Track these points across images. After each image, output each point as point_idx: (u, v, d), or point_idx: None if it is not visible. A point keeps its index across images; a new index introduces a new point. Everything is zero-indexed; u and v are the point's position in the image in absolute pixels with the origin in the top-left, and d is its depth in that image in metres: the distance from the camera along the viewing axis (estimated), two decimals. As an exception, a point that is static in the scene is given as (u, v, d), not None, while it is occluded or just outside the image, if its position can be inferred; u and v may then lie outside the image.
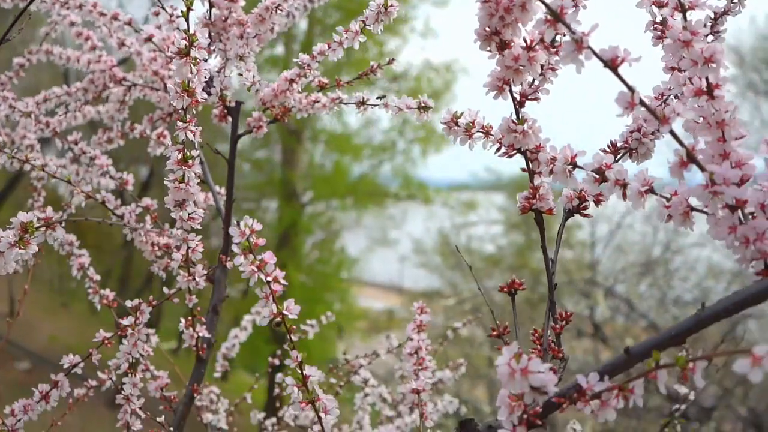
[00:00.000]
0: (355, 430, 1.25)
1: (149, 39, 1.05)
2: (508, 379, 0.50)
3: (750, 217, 0.52)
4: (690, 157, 0.51)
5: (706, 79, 0.53)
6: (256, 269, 0.61)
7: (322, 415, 0.65)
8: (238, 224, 0.60)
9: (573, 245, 8.90)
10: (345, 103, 0.97)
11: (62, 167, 1.17)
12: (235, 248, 0.61)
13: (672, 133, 0.51)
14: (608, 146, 0.69)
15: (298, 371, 0.65)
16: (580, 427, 1.06)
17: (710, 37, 0.71)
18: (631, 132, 0.68)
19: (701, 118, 0.54)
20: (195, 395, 0.98)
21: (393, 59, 1.00)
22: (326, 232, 11.43)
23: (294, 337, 0.66)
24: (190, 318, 0.96)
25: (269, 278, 0.62)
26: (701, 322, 0.50)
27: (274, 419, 1.33)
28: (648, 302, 6.96)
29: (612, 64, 0.50)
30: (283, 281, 0.63)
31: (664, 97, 0.68)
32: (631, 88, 0.50)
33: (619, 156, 0.68)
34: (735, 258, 0.52)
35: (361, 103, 0.95)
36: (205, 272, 0.91)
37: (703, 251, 7.13)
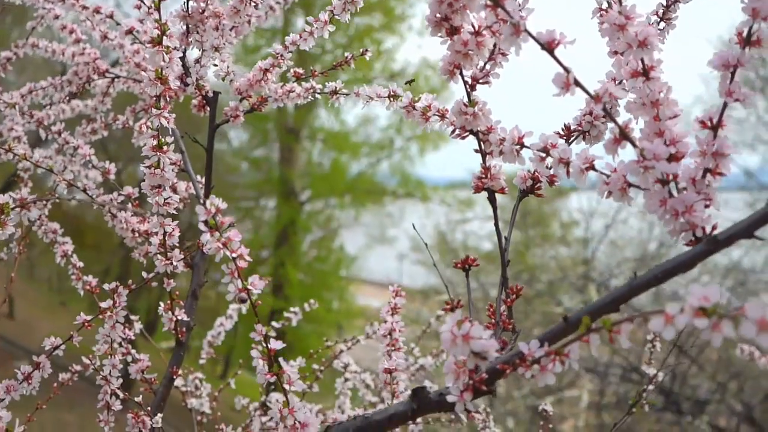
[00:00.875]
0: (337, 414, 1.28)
1: (130, 32, 1.07)
2: (451, 345, 0.53)
3: (684, 191, 0.55)
4: (623, 135, 0.54)
5: (642, 60, 0.56)
6: (221, 246, 0.64)
7: (286, 386, 0.67)
8: (204, 203, 0.63)
9: (570, 242, 8.94)
10: (319, 93, 1.00)
11: (48, 158, 1.20)
12: (201, 226, 0.64)
13: (605, 111, 0.54)
14: (562, 129, 0.71)
15: (263, 344, 0.68)
16: (551, 408, 1.09)
17: (662, 24, 0.74)
18: (584, 115, 0.71)
19: (639, 99, 0.57)
20: (174, 377, 1.01)
21: (366, 50, 1.03)
22: (324, 230, 11.47)
23: (279, 324, 0.69)
24: (168, 302, 0.99)
25: (234, 255, 0.65)
26: (633, 290, 0.53)
27: (256, 404, 1.36)
28: (645, 296, 7.00)
29: (549, 46, 0.53)
30: (248, 258, 0.66)
31: (616, 82, 0.71)
32: (566, 69, 0.53)
33: (572, 138, 0.71)
34: (667, 230, 0.55)
35: (334, 93, 0.98)
36: (183, 257, 0.94)
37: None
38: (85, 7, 1.13)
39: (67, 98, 1.23)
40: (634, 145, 0.54)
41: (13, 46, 1.35)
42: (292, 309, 1.40)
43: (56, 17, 1.24)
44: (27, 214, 0.73)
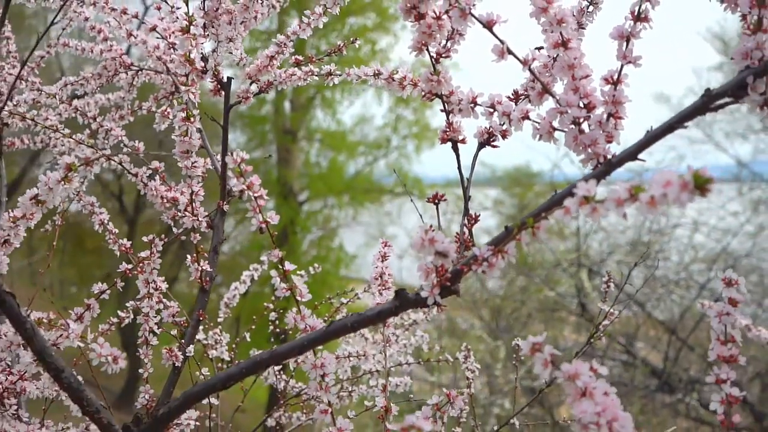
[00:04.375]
0: (340, 357, 1.45)
1: (153, 29, 1.26)
2: (420, 247, 0.71)
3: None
4: (545, 89, 0.73)
5: (561, 34, 0.75)
6: (246, 188, 0.83)
7: (298, 298, 0.86)
8: (232, 153, 0.82)
9: (566, 236, 9.14)
10: (317, 75, 1.19)
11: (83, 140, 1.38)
12: (230, 172, 0.82)
13: (531, 71, 0.73)
14: (512, 93, 0.90)
15: (280, 267, 0.86)
16: (522, 342, 1.27)
17: (590, 7, 0.93)
18: (528, 82, 0.89)
19: (560, 63, 0.76)
20: (201, 319, 1.19)
21: (356, 39, 1.22)
22: (323, 230, 11.65)
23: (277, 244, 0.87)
24: (195, 255, 1.17)
25: (256, 195, 0.83)
26: (555, 201, 0.71)
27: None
28: (636, 282, 7.19)
29: (489, 25, 0.72)
30: (266, 197, 0.84)
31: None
32: (502, 42, 0.72)
33: (520, 101, 0.90)
34: (579, 160, 0.73)
35: (329, 74, 1.16)
36: (207, 214, 1.13)
37: (685, 231, 7.38)
38: (113, 9, 1.31)
39: (98, 89, 1.42)
40: (553, 96, 0.72)
41: (46, 46, 1.54)
42: (298, 272, 1.58)
43: (86, 19, 1.42)
44: (91, 170, 0.91)
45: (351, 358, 1.30)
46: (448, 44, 0.83)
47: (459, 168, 0.86)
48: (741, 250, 7.84)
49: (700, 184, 0.49)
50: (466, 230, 0.84)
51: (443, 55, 0.83)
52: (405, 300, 0.78)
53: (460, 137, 0.85)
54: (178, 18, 1.20)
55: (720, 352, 0.68)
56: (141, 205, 10.13)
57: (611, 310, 1.33)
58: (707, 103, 0.66)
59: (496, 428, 1.60)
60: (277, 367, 1.61)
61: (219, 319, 1.60)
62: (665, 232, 7.92)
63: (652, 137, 0.68)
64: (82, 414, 0.82)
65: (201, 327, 1.52)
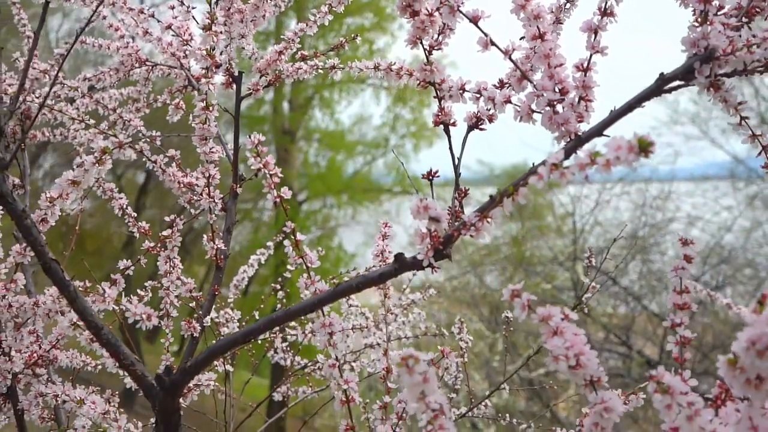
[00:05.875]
0: (345, 329, 1.55)
1: (169, 27, 1.36)
2: (417, 214, 0.82)
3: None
4: (523, 76, 0.83)
5: (538, 27, 0.85)
6: (262, 166, 0.93)
7: (308, 264, 0.96)
8: (250, 136, 0.92)
9: (564, 234, 9.28)
10: (321, 69, 1.29)
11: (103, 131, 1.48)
12: (248, 153, 0.93)
13: (511, 60, 0.83)
14: (498, 81, 1.00)
15: (292, 237, 0.97)
16: (512, 315, 1.38)
17: (568, 4, 1.03)
18: (512, 71, 1.00)
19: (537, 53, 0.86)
20: (216, 293, 1.30)
21: (356, 35, 1.32)
22: (323, 230, 11.75)
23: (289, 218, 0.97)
24: (210, 234, 1.28)
25: (271, 172, 0.94)
26: (531, 172, 0.82)
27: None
28: (631, 275, 7.32)
29: (474, 20, 0.82)
30: (280, 174, 0.95)
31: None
32: (486, 34, 0.82)
33: (504, 88, 1.00)
34: (554, 137, 0.84)
35: (333, 68, 1.27)
36: (222, 196, 1.23)
37: (681, 225, 7.50)
38: (131, 9, 1.42)
39: (116, 83, 1.52)
40: (530, 81, 0.83)
41: (64, 43, 1.64)
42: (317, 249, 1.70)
43: (104, 18, 1.52)
44: (123, 152, 1.01)
45: (354, 330, 1.40)
46: (440, 38, 0.94)
47: (450, 147, 0.97)
48: (735, 244, 7.97)
49: (643, 147, 0.59)
50: (456, 202, 0.95)
51: (435, 48, 0.93)
52: (403, 262, 0.89)
53: (451, 120, 0.96)
54: (192, 17, 1.31)
55: (675, 301, 0.78)
56: (141, 206, 10.23)
57: (593, 284, 1.43)
58: (661, 85, 0.76)
59: (494, 417, 1.71)
60: (284, 344, 1.72)
61: (229, 300, 1.71)
62: (660, 227, 8.06)
63: (615, 116, 0.78)
64: (118, 367, 0.92)
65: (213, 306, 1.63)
